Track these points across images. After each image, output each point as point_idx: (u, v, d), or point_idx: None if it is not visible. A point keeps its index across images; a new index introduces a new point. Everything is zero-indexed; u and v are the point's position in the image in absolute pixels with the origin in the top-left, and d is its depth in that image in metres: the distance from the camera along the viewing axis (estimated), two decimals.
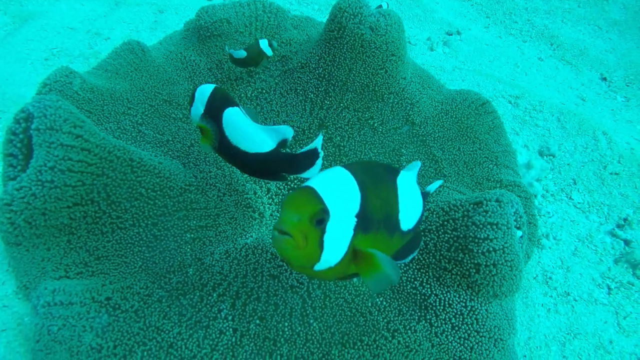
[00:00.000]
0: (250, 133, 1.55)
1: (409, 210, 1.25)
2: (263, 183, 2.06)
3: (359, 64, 2.14)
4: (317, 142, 1.48)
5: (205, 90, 1.63)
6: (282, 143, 1.56)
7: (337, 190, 1.07)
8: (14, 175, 1.67)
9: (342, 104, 2.18)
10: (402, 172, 1.25)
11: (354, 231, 1.09)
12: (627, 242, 2.17)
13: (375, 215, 1.13)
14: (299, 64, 2.27)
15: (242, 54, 2.11)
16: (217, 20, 2.32)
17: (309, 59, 2.23)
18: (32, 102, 1.64)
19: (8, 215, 1.60)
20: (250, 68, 2.31)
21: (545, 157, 2.56)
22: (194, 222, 1.82)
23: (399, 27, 2.12)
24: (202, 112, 1.63)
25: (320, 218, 1.02)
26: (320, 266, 1.09)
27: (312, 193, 1.04)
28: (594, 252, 2.15)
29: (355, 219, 1.09)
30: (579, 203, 2.35)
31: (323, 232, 1.04)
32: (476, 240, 1.56)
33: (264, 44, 2.09)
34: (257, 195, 2.00)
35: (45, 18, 3.08)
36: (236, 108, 1.59)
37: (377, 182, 1.17)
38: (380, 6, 2.57)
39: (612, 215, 2.31)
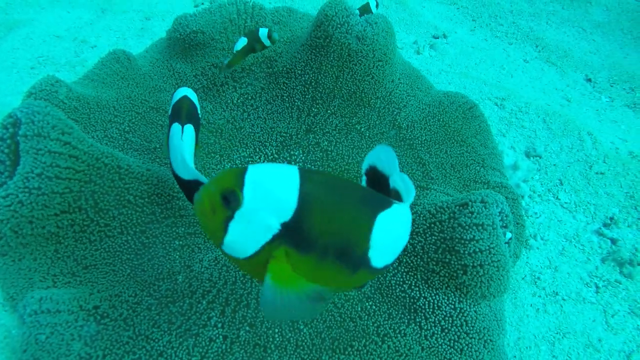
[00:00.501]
0: (176, 155, 1.60)
1: (388, 247, 1.11)
2: None
3: (346, 72, 2.15)
4: None
5: (175, 96, 1.72)
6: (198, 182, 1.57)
7: (269, 186, 0.99)
8: (1, 182, 1.66)
9: (329, 110, 2.18)
10: (394, 205, 1.07)
11: (273, 238, 1.00)
12: (613, 241, 2.19)
13: (317, 239, 1.01)
14: (285, 69, 2.28)
15: (243, 41, 2.09)
16: (191, 32, 2.31)
17: (294, 64, 2.24)
18: (20, 108, 1.62)
19: None
20: (236, 69, 2.31)
21: (531, 158, 2.58)
22: (183, 229, 1.82)
23: (387, 33, 2.12)
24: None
25: (227, 198, 0.97)
26: (226, 249, 1.04)
27: (239, 175, 0.98)
28: (581, 251, 2.17)
29: (280, 228, 0.99)
30: (565, 203, 2.37)
31: (230, 216, 0.98)
32: (462, 242, 1.56)
33: (263, 33, 2.06)
34: None
35: (31, 26, 3.07)
36: (178, 126, 1.65)
37: (335, 205, 1.02)
38: (367, 4, 2.55)
39: (598, 215, 2.33)
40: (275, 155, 2.16)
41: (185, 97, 1.71)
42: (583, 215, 2.33)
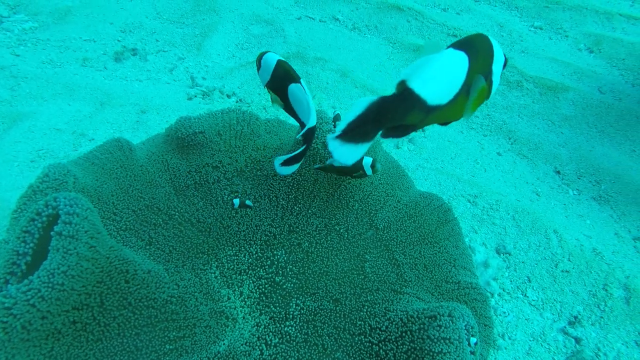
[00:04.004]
0: (308, 109, 1.83)
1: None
2: (237, 287, 2.19)
3: (321, 176, 2.34)
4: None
5: (270, 62, 1.92)
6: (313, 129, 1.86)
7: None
8: (23, 251, 1.73)
9: (310, 210, 2.35)
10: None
11: None
12: (577, 340, 2.33)
13: None
14: (273, 171, 2.47)
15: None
16: (192, 133, 2.51)
17: None
18: (64, 200, 1.75)
19: (5, 320, 1.61)
20: (227, 169, 2.49)
21: (502, 255, 2.75)
22: (174, 333, 1.93)
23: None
24: (268, 80, 1.95)
25: None
26: None
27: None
28: (547, 350, 2.30)
29: None
30: (533, 300, 2.52)
31: None
32: (431, 354, 1.70)
33: (367, 162, 2.21)
34: (230, 300, 2.13)
35: (33, 119, 3.24)
36: (298, 85, 1.86)
37: None
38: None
39: (564, 312, 2.47)
40: (260, 254, 2.30)
41: (281, 61, 1.90)
42: (550, 313, 2.47)
